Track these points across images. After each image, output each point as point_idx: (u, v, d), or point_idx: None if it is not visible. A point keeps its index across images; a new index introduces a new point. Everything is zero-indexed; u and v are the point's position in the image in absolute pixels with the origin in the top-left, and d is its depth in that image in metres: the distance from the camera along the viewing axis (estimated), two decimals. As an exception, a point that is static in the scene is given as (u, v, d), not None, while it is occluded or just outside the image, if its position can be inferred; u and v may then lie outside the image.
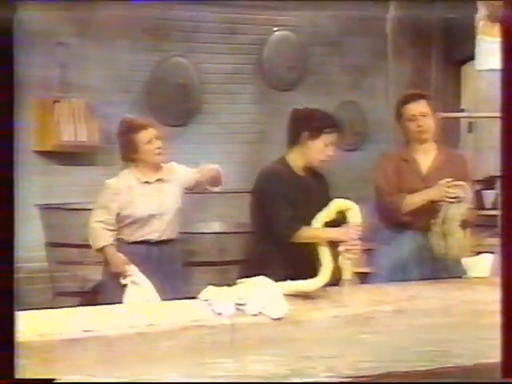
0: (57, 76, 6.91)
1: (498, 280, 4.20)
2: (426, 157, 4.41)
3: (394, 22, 7.25)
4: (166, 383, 2.78)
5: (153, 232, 4.61)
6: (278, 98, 7.73)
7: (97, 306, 3.51)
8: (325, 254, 3.80)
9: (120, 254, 4.58)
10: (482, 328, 3.62)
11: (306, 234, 3.88)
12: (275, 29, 8.02)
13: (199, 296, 3.54)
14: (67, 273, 6.32)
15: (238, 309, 3.39)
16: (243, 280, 3.64)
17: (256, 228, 4.16)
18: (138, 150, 4.62)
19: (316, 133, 3.98)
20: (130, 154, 4.67)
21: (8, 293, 2.00)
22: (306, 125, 4.00)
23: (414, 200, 4.26)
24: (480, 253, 4.81)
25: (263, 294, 3.48)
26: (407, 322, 3.59)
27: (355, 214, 3.90)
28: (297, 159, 4.05)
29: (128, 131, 4.67)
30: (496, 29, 6.95)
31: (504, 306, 2.26)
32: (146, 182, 4.65)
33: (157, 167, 4.67)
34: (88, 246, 6.37)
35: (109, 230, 4.59)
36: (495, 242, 5.52)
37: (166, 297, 4.18)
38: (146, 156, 4.62)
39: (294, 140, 4.05)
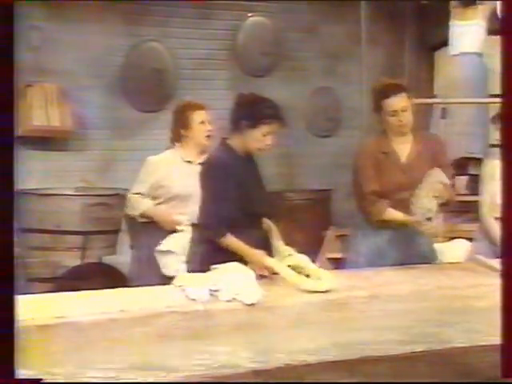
0: (29, 60, 6.84)
1: (471, 265, 4.24)
2: (404, 146, 4.40)
3: (368, 7, 7.24)
4: (165, 383, 2.76)
5: (186, 213, 4.62)
6: (253, 83, 7.68)
7: (69, 293, 3.49)
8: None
9: (165, 210, 4.67)
10: (456, 312, 3.64)
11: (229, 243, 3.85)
12: (249, 14, 7.99)
13: (173, 282, 3.53)
14: (40, 259, 6.27)
15: (211, 295, 3.39)
16: (217, 266, 3.63)
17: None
18: (190, 128, 4.74)
19: (254, 122, 3.89)
20: (181, 131, 4.77)
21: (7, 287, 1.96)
22: (244, 113, 3.93)
23: (394, 216, 4.28)
24: (453, 238, 4.84)
25: (237, 280, 3.47)
26: (381, 307, 3.60)
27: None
28: (237, 145, 4.00)
29: (185, 109, 4.82)
30: (468, 13, 6.99)
31: (504, 307, 2.26)
32: (189, 162, 4.74)
33: (202, 151, 4.74)
34: (61, 232, 6.34)
35: (146, 199, 4.72)
36: (469, 227, 5.56)
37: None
38: (197, 135, 4.74)
39: (234, 126, 3.99)
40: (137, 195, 4.75)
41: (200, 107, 4.83)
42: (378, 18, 7.81)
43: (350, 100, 7.96)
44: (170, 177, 4.71)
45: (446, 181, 4.16)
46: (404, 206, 4.24)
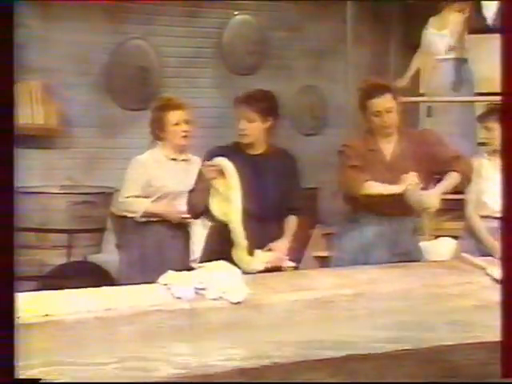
0: (14, 57, 6.80)
1: (457, 263, 4.25)
2: (389, 144, 4.39)
3: (354, 6, 7.24)
4: (165, 383, 2.75)
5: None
6: (238, 82, 7.68)
7: (55, 291, 3.47)
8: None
9: (167, 203, 4.65)
10: (441, 311, 3.65)
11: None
12: (236, 13, 7.97)
13: (159, 280, 3.52)
14: (25, 257, 6.25)
15: (197, 293, 3.38)
16: (203, 264, 3.63)
17: None
18: (165, 130, 4.69)
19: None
20: (157, 132, 4.73)
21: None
22: None
23: (376, 187, 4.25)
24: (439, 236, 4.85)
25: (223, 279, 3.47)
26: (367, 305, 3.60)
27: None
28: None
29: (159, 109, 4.76)
30: (443, 20, 7.04)
31: (504, 307, 2.25)
32: (173, 159, 4.72)
33: (182, 149, 4.74)
34: (46, 231, 6.31)
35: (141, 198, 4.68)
36: (455, 225, 5.57)
37: None
38: (172, 136, 4.68)
39: None
40: (131, 197, 4.68)
41: (175, 107, 4.74)
42: (363, 17, 7.81)
43: (335, 98, 7.96)
44: (159, 176, 4.67)
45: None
46: (390, 202, 4.25)
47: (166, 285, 3.45)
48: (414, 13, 8.01)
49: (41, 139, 7.00)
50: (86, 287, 3.55)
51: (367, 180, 4.25)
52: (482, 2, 6.91)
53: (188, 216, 4.50)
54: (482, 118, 4.90)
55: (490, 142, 4.76)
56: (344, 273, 4.00)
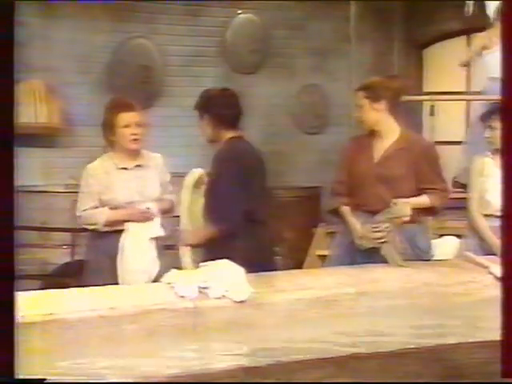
0: (16, 56, 6.80)
1: (460, 262, 4.25)
2: (384, 143, 4.39)
3: (357, 4, 7.25)
4: (167, 383, 2.76)
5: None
6: (241, 80, 7.70)
7: (58, 289, 3.47)
8: None
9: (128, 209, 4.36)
10: (444, 310, 3.66)
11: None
12: (239, 11, 7.98)
13: (162, 279, 3.52)
14: (27, 256, 6.26)
15: (201, 292, 3.39)
16: (207, 263, 3.63)
17: None
18: (114, 132, 4.37)
19: None
20: (107, 135, 4.42)
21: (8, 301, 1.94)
22: None
23: (345, 215, 4.35)
24: (443, 235, 4.85)
25: (227, 278, 3.47)
26: (369, 304, 3.61)
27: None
28: None
29: (109, 110, 4.43)
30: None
31: (504, 305, 2.26)
32: (124, 168, 4.40)
33: (135, 153, 4.42)
34: (50, 230, 6.32)
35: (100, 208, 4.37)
36: (458, 224, 5.57)
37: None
38: (121, 140, 4.36)
39: None
40: (89, 209, 4.35)
41: (126, 108, 4.39)
42: (366, 16, 7.81)
43: (338, 97, 7.96)
44: (107, 188, 4.35)
45: (407, 214, 4.17)
46: (374, 201, 4.26)
47: (169, 283, 3.46)
48: (417, 11, 8.02)
49: (44, 138, 7.01)
50: (89, 286, 3.57)
51: (345, 204, 4.36)
52: (485, 1, 6.90)
53: (154, 214, 4.35)
54: (485, 117, 4.90)
55: (493, 140, 4.76)
56: (347, 272, 4.00)
